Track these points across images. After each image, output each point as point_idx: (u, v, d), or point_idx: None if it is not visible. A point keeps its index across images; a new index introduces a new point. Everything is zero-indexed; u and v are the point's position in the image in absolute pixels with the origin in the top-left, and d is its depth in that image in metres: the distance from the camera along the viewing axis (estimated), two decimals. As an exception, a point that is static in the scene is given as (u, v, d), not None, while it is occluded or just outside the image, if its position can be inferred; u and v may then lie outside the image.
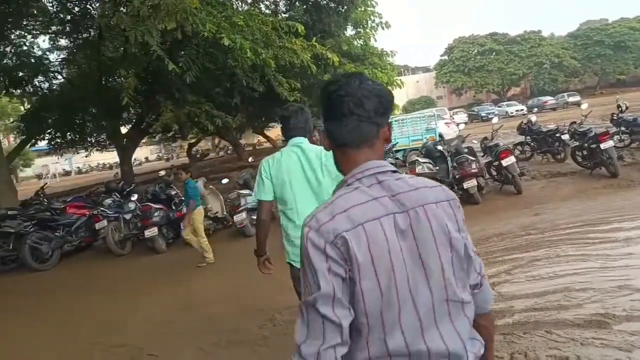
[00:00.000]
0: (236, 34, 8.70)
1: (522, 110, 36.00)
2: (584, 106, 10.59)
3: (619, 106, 10.86)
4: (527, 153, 11.10)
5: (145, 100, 12.65)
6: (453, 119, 23.53)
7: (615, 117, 10.70)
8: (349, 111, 1.14)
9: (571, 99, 37.30)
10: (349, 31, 18.00)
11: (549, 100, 38.21)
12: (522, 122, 11.36)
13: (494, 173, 8.57)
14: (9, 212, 7.90)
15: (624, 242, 4.87)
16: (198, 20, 6.50)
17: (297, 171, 2.71)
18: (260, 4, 15.95)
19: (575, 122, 10.02)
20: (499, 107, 39.87)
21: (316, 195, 2.67)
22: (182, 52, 10.46)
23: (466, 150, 8.55)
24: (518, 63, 50.08)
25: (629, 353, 2.82)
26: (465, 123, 26.17)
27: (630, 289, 3.72)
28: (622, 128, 10.31)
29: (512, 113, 35.29)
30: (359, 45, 16.67)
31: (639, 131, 9.51)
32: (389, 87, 18.12)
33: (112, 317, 5.00)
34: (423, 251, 1.06)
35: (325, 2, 15.46)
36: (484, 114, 36.26)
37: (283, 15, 16.04)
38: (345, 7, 15.32)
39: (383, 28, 16.85)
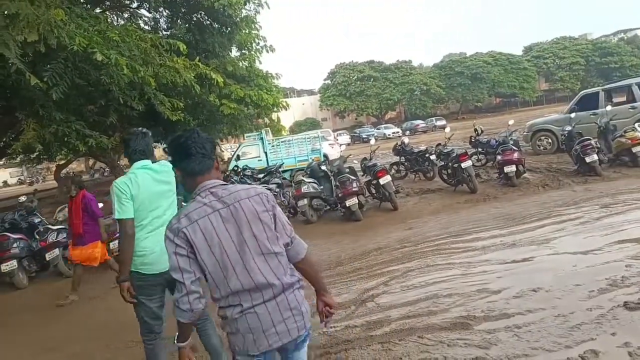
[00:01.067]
0: (111, 49, 8.19)
1: (397, 132, 39.19)
2: (447, 130, 11.89)
3: (475, 130, 12.39)
4: (401, 172, 12.07)
5: (2, 118, 11.19)
6: (337, 140, 24.67)
7: (473, 140, 12.18)
8: (196, 152, 1.87)
9: (438, 123, 41.69)
10: (234, 52, 18.04)
11: (420, 123, 42.34)
12: (396, 144, 12.35)
13: (373, 191, 9.17)
14: None
15: (481, 250, 5.53)
16: (65, 33, 6.00)
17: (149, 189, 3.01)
18: (139, 19, 15.30)
19: (440, 144, 11.18)
20: (377, 129, 42.98)
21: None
22: (48, 66, 9.53)
23: (347, 170, 9.03)
24: (393, 89, 54.56)
25: (486, 350, 3.21)
26: (348, 144, 27.66)
27: (487, 292, 4.23)
28: (479, 149, 11.77)
29: (389, 135, 38.21)
30: (244, 66, 16.75)
31: (492, 152, 10.92)
32: (275, 109, 18.58)
33: None
34: (242, 229, 1.83)
35: (208, 22, 15.31)
36: (365, 136, 38.70)
37: (164, 32, 15.52)
38: (229, 29, 15.34)
39: (267, 51, 17.19)
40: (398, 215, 8.29)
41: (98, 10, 12.68)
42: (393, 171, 11.51)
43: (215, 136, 26.98)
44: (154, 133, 13.72)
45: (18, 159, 21.27)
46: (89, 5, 12.48)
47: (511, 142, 9.96)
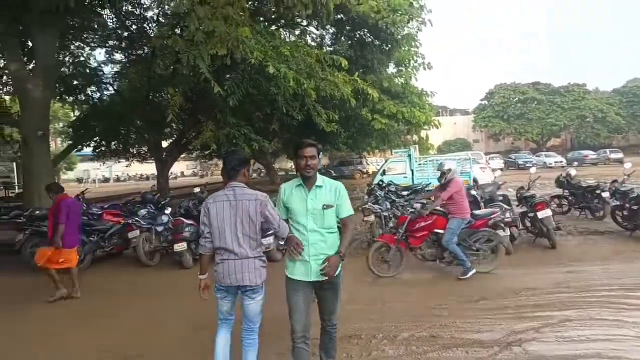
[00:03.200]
0: (281, 63, 8.99)
1: (561, 162, 35.17)
2: (628, 165, 10.27)
3: (665, 169, 10.47)
4: (564, 207, 10.78)
5: (187, 118, 13.11)
6: (489, 164, 23.16)
7: (660, 179, 10.31)
8: (230, 166, 3.19)
9: (613, 156, 36.23)
10: (391, 69, 18.28)
11: (590, 154, 37.20)
12: (560, 175, 11.10)
13: (528, 224, 8.35)
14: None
15: (662, 312, 4.63)
16: (247, 48, 6.76)
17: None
18: (307, 36, 16.47)
19: (616, 181, 9.71)
20: (537, 156, 39.07)
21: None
22: (228, 76, 10.86)
23: (501, 198, 8.38)
24: (560, 114, 49.27)
25: None
26: (501, 169, 25.72)
27: (666, 363, 3.52)
28: (667, 191, 9.91)
29: (550, 164, 34.50)
30: (399, 83, 16.87)
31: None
32: (426, 127, 18.24)
33: (133, 326, 5.06)
34: (238, 216, 3.07)
35: (370, 39, 15.79)
36: (521, 162, 35.60)
37: (328, 48, 16.46)
38: (390, 46, 15.59)
39: (425, 68, 17.03)
40: (555, 255, 7.40)
41: (274, 27, 14.03)
42: (554, 205, 10.33)
43: (363, 149, 27.69)
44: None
45: (195, 154, 24.56)
46: (267, 23, 13.88)
47: None
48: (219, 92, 7.95)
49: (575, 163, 33.21)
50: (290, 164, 39.95)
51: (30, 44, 10.79)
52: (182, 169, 52.62)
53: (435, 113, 22.00)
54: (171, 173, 14.30)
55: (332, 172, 32.21)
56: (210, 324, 4.78)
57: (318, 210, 3.09)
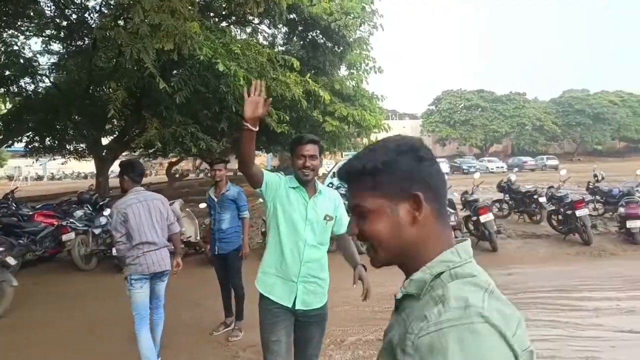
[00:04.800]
0: (232, 60, 8.77)
1: (502, 167, 36.95)
2: (563, 172, 10.88)
3: (595, 175, 11.20)
4: (504, 211, 11.26)
5: (130, 114, 12.50)
6: (435, 168, 23.80)
7: (591, 186, 11.01)
8: (140, 172, 3.84)
9: (549, 162, 38.57)
10: (343, 71, 18.41)
11: (529, 160, 39.47)
12: (502, 180, 11.58)
13: (471, 228, 8.63)
14: (-29, 214, 7.56)
15: (593, 312, 4.89)
16: (196, 43, 6.52)
17: None
18: (259, 34, 16.25)
19: (553, 187, 10.25)
20: (480, 161, 40.88)
21: None
22: (175, 72, 10.46)
23: (446, 202, 8.61)
24: (502, 121, 51.78)
25: None
26: (447, 174, 26.59)
27: (597, 362, 3.70)
28: (597, 197, 10.59)
29: (492, 169, 36.16)
30: (351, 85, 17.01)
31: (613, 202, 9.76)
32: (376, 130, 18.57)
33: (65, 336, 4.71)
34: (152, 213, 3.67)
35: (322, 40, 15.81)
36: (465, 167, 37.04)
37: (280, 48, 16.33)
38: (342, 48, 15.68)
39: (376, 72, 17.29)
40: (496, 258, 7.69)
41: (224, 24, 13.71)
42: (495, 209, 10.76)
43: (314, 150, 27.68)
44: (258, 142, 14.44)
45: (137, 152, 23.59)
46: (217, 19, 13.53)
47: (638, 194, 8.82)
48: (165, 88, 7.60)
49: (516, 169, 35.00)
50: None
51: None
52: (124, 167, 50.51)
53: (385, 117, 22.41)
54: (112, 172, 13.54)
55: (283, 173, 31.99)
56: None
57: (319, 221, 2.56)
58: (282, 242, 2.51)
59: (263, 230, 8.14)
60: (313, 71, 14.95)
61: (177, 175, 25.65)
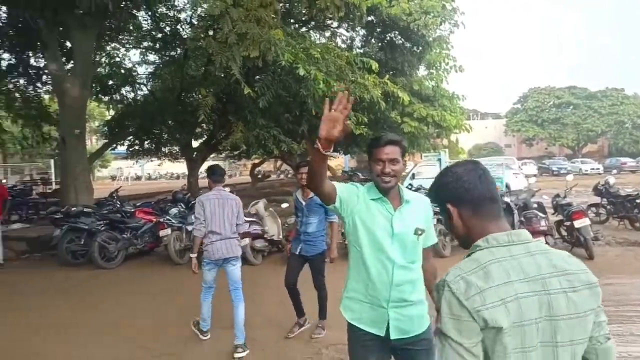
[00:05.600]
0: (311, 65, 8.99)
1: (597, 169, 33.91)
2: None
3: None
4: (602, 216, 10.38)
5: (218, 119, 13.27)
6: (522, 169, 22.54)
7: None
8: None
9: (653, 164, 34.75)
10: (422, 71, 18.08)
11: (629, 161, 35.75)
12: (598, 183, 10.69)
13: (564, 233, 8.06)
14: (85, 210, 8.47)
15: None
16: (279, 50, 6.78)
17: None
18: (337, 38, 16.45)
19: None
20: (572, 162, 37.81)
21: None
22: (258, 78, 10.93)
23: (535, 205, 8.12)
24: (597, 119, 47.59)
25: None
26: (535, 175, 25.01)
27: None
28: None
29: (586, 171, 33.32)
30: (430, 86, 16.65)
31: None
32: (456, 130, 17.98)
33: (165, 323, 5.13)
34: (224, 209, 4.33)
35: (401, 41, 15.65)
36: (556, 169, 34.51)
37: (358, 50, 16.40)
38: (421, 48, 15.42)
39: (456, 71, 16.77)
40: (593, 266, 7.07)
41: (304, 29, 14.07)
42: (591, 214, 9.94)
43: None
44: (336, 143, 14.63)
45: (223, 154, 24.89)
46: (297, 25, 13.93)
47: None
48: (249, 93, 7.99)
49: (614, 171, 31.96)
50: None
51: (69, 44, 11.14)
52: (211, 168, 53.35)
53: (466, 117, 21.61)
54: (201, 172, 14.50)
55: (360, 174, 32.04)
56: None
57: (408, 236, 2.13)
58: (366, 264, 2.14)
59: (342, 231, 8.22)
60: (391, 72, 14.84)
61: (259, 176, 26.66)
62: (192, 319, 4.82)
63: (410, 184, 13.50)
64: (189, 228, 7.94)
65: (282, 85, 10.71)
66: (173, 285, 6.79)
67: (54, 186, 18.05)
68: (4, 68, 12.45)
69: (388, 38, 15.61)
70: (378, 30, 15.74)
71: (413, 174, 16.01)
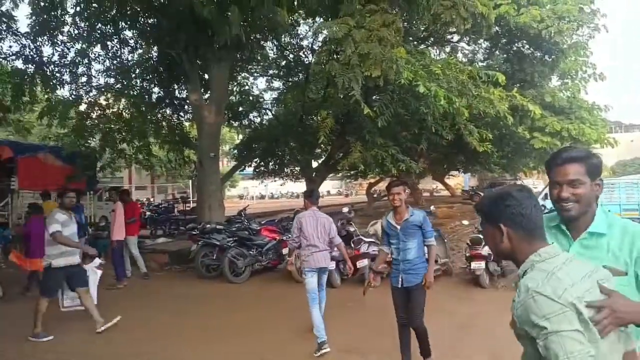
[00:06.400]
0: (432, 81, 8.74)
1: None
2: None
3: None
4: None
5: (336, 139, 13.59)
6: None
7: None
8: (315, 197, 5.70)
9: None
10: (554, 82, 16.60)
11: None
12: None
13: None
14: (217, 227, 9.22)
15: None
16: (400, 68, 6.70)
17: None
18: (458, 52, 15.90)
19: None
20: None
21: None
22: (377, 97, 10.96)
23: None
24: None
25: None
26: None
27: None
28: None
29: None
30: (564, 97, 15.15)
31: None
32: (599, 145, 16.08)
33: (287, 336, 5.28)
34: (317, 226, 5.11)
35: (529, 51, 14.57)
36: None
37: (480, 64, 15.64)
38: (553, 57, 14.19)
39: (596, 80, 15.06)
40: None
41: (422, 46, 13.85)
42: None
43: (518, 169, 25.46)
44: (456, 162, 13.93)
45: (340, 174, 25.38)
46: (415, 43, 13.78)
47: None
48: (368, 113, 8.01)
49: None
50: (435, 185, 38.67)
51: (207, 76, 12.39)
52: (328, 188, 54.89)
53: (607, 129, 19.20)
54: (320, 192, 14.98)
55: (482, 194, 30.16)
56: (352, 346, 4.73)
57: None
58: None
59: (467, 254, 7.74)
60: (519, 84, 13.85)
61: (375, 195, 26.59)
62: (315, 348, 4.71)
63: (543, 205, 12.28)
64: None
65: (401, 104, 10.60)
66: (295, 302, 6.95)
67: (191, 204, 20.02)
68: (154, 100, 14.25)
69: (515, 48, 14.66)
70: (503, 41, 14.87)
71: (546, 194, 14.58)
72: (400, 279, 4.13)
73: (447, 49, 15.88)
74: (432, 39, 15.27)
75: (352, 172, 21.52)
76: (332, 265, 5.44)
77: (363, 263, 7.52)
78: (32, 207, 8.38)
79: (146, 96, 14.00)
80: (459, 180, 37.06)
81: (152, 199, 25.82)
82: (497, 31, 13.84)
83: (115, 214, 8.39)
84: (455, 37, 16.45)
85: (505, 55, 15.31)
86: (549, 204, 7.86)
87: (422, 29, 14.28)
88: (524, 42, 13.95)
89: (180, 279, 8.99)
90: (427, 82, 8.53)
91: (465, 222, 9.45)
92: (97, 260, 6.07)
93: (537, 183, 31.28)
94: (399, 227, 4.18)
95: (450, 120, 10.51)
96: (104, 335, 5.46)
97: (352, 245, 7.87)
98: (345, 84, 6.20)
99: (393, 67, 6.18)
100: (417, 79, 8.34)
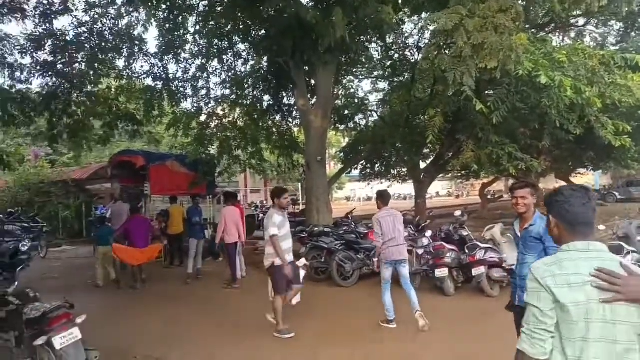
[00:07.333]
0: (555, 70, 7.84)
1: None
2: None
3: None
4: None
5: (446, 138, 12.95)
6: None
7: None
8: (387, 198, 6.52)
9: None
10: None
11: None
12: None
13: None
14: (325, 229, 9.28)
15: None
16: (521, 56, 6.08)
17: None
18: (586, 37, 14.24)
19: None
20: None
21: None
22: (492, 91, 10.17)
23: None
24: None
25: None
26: None
27: None
28: None
29: None
30: None
31: None
32: None
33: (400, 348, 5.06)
34: (395, 222, 5.97)
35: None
36: None
37: (612, 47, 13.81)
38: None
39: None
40: None
41: (542, 33, 12.60)
42: None
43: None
44: (584, 157, 12.36)
45: (450, 174, 24.24)
46: (534, 30, 12.60)
47: None
48: (482, 109, 7.41)
49: None
50: (557, 183, 35.04)
51: (313, 82, 12.63)
52: (437, 189, 52.93)
53: None
54: (427, 193, 14.38)
55: (617, 194, 26.69)
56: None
57: None
58: None
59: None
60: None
61: (489, 197, 24.93)
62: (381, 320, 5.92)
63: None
64: (419, 252, 7.79)
65: (519, 97, 9.73)
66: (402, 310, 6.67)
67: (301, 206, 20.62)
68: (264, 108, 14.93)
69: (657, 26, 12.68)
70: (640, 19, 12.97)
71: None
72: (516, 297, 3.61)
73: (572, 35, 14.29)
74: (553, 24, 13.86)
75: (463, 173, 20.44)
76: (407, 256, 6.07)
77: (479, 270, 6.98)
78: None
79: (258, 105, 14.72)
80: (589, 179, 33.27)
81: (265, 202, 27.15)
82: (634, 10, 12.08)
83: (224, 216, 8.74)
84: (581, 21, 14.76)
85: (644, 35, 13.34)
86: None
87: (542, 14, 13.03)
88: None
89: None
90: (549, 71, 7.67)
91: (602, 227, 8.19)
92: (303, 260, 6.54)
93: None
94: (519, 235, 3.70)
95: (578, 112, 9.36)
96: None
97: (467, 251, 7.36)
98: (456, 78, 5.78)
99: (512, 57, 5.62)
100: (538, 69, 7.54)
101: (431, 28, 7.88)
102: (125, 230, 8.89)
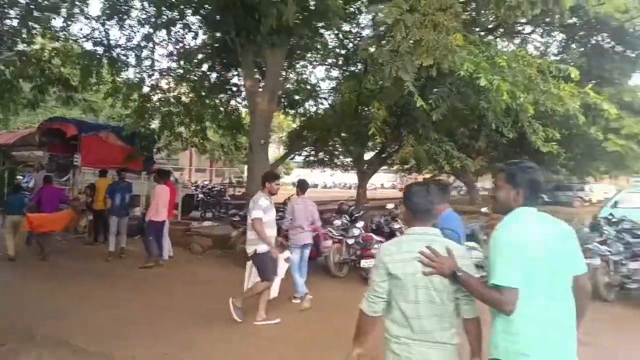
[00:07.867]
0: (495, 74, 8.09)
1: None
2: None
3: None
4: None
5: (390, 132, 13.13)
6: None
7: None
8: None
9: None
10: (637, 80, 15.13)
11: None
12: None
13: None
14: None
15: None
16: (457, 58, 6.20)
17: None
18: (529, 45, 14.86)
19: None
20: None
21: None
22: (434, 90, 10.39)
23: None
24: None
25: None
26: None
27: None
28: None
29: None
30: (647, 96, 13.75)
31: None
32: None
33: (313, 338, 5.09)
34: (305, 210, 6.49)
35: (610, 45, 13.32)
36: None
37: (553, 57, 14.51)
38: (637, 52, 12.87)
39: (690, 78, 13.52)
40: None
41: (490, 37, 13.00)
42: None
43: (588, 173, 23.64)
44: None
45: (394, 167, 24.74)
46: (482, 33, 12.96)
47: None
48: (422, 106, 7.52)
49: None
50: (492, 182, 36.58)
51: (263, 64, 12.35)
52: (382, 181, 54.00)
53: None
54: (372, 184, 14.65)
55: (544, 197, 28.34)
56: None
57: None
58: None
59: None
60: (595, 81, 12.70)
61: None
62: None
63: (611, 214, 11.20)
64: (349, 242, 7.87)
65: (460, 98, 10.00)
66: (332, 299, 6.72)
67: (243, 189, 20.33)
68: (212, 84, 14.45)
69: (593, 41, 13.46)
70: (580, 33, 13.70)
71: (616, 202, 13.38)
72: None
73: (517, 41, 14.87)
74: (501, 29, 14.33)
75: (405, 166, 20.92)
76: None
77: (369, 263, 7.14)
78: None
79: (205, 81, 14.23)
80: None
81: (206, 182, 26.57)
82: (575, 22, 12.74)
83: (156, 194, 8.48)
84: (527, 29, 15.37)
85: (582, 49, 14.12)
86: (618, 212, 7.10)
87: (491, 18, 13.42)
88: (604, 35, 12.76)
89: (220, 265, 8.99)
90: (489, 74, 7.88)
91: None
92: (287, 253, 5.92)
93: (608, 189, 28.87)
94: None
95: (513, 116, 9.76)
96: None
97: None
98: (393, 72, 5.81)
99: (448, 56, 5.71)
100: (479, 71, 7.73)
101: (370, 19, 7.85)
102: (38, 201, 8.73)
